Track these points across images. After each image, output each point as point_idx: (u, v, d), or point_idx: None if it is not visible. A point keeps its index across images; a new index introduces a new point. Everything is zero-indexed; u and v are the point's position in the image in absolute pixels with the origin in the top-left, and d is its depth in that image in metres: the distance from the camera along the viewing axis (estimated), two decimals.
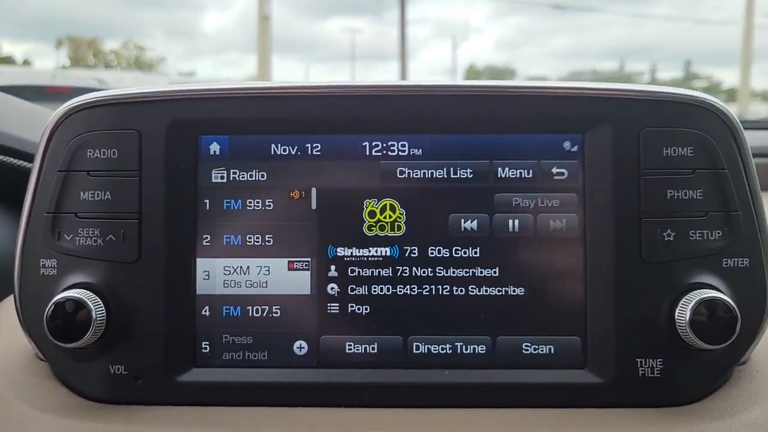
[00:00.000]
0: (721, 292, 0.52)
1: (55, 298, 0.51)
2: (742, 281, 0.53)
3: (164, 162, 0.54)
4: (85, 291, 0.52)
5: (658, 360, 0.53)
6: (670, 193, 0.53)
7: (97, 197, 0.54)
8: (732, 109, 0.54)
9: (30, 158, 0.75)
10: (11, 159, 0.75)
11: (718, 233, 0.53)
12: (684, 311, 0.51)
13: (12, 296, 0.68)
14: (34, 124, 0.83)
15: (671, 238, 0.53)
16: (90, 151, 0.54)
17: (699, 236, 0.53)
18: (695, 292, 0.51)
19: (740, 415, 0.51)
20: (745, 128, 0.55)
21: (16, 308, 0.55)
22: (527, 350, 0.54)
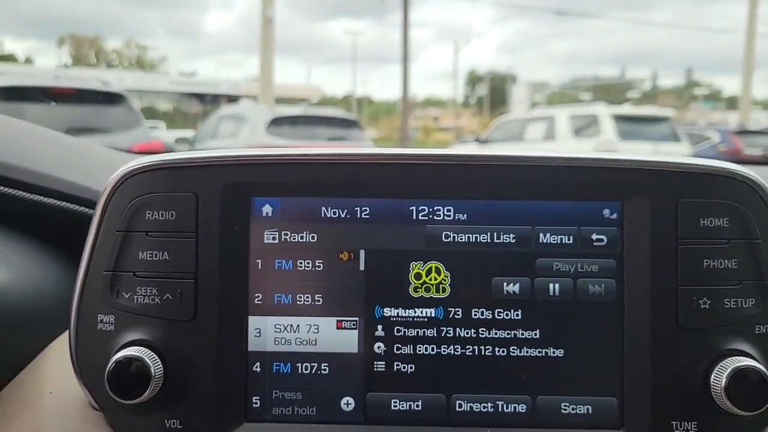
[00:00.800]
0: (754, 358, 0.54)
1: (116, 356, 0.53)
2: None
3: (219, 223, 0.57)
4: (143, 348, 0.54)
5: (692, 423, 0.55)
6: (706, 262, 0.55)
7: (155, 257, 0.56)
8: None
9: (79, 201, 0.77)
10: (56, 201, 0.77)
11: (752, 301, 0.55)
12: (719, 378, 0.53)
13: (58, 340, 0.71)
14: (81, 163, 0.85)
15: (707, 306, 0.55)
16: (149, 213, 0.57)
17: (733, 304, 0.55)
18: (730, 359, 0.53)
19: None
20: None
21: (72, 359, 0.57)
22: (566, 410, 0.56)
